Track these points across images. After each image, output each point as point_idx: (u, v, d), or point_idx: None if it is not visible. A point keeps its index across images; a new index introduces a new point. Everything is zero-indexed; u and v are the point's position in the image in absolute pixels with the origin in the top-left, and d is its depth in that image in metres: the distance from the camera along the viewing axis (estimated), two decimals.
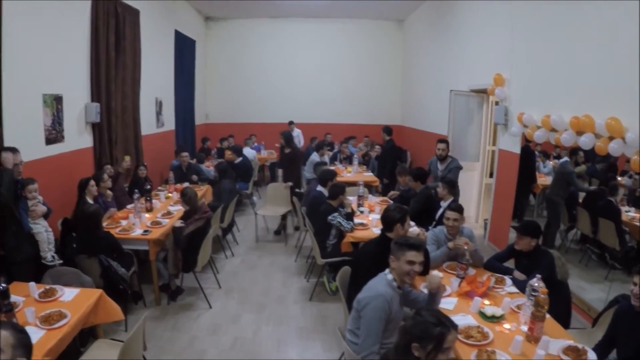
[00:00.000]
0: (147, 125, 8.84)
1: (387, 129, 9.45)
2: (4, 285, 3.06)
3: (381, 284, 3.13)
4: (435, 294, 3.31)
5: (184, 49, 11.08)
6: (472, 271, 4.13)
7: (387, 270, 3.22)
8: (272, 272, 6.44)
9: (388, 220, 3.97)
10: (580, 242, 5.85)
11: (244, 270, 6.50)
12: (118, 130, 7.45)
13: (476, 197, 8.51)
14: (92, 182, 5.51)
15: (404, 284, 3.22)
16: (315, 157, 9.11)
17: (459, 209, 4.41)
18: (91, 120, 6.58)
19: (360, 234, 5.35)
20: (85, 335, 4.16)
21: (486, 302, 3.62)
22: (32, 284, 3.71)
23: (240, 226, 8.26)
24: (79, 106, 6.42)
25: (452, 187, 5.74)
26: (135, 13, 7.93)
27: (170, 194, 7.23)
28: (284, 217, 7.85)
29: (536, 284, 3.27)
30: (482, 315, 3.41)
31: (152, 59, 8.95)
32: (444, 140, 6.85)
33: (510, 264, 4.39)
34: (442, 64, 9.82)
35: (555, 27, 5.45)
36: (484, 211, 8.27)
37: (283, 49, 13.47)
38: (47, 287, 3.75)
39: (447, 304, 3.61)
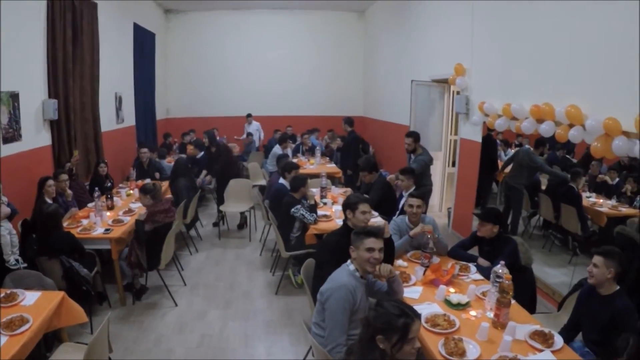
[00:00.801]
0: (107, 122, 8.69)
1: (349, 120, 9.52)
2: None
3: (343, 275, 3.17)
4: (392, 283, 3.34)
5: (144, 42, 10.90)
6: (436, 259, 4.23)
7: (349, 261, 3.26)
8: (237, 266, 6.47)
9: (343, 206, 4.11)
10: (542, 228, 6.05)
11: (209, 266, 6.50)
12: (77, 127, 7.30)
13: (439, 186, 8.67)
14: (50, 182, 5.41)
15: (367, 274, 3.26)
16: (277, 149, 9.13)
17: (421, 196, 4.51)
18: (49, 117, 6.43)
19: (323, 226, 5.41)
20: (50, 339, 4.08)
21: (451, 289, 3.69)
22: None
23: (203, 222, 8.22)
24: (36, 103, 6.26)
25: (412, 174, 5.75)
26: (92, 6, 7.75)
27: (131, 191, 7.14)
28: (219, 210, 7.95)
29: (500, 271, 3.37)
30: (448, 303, 3.49)
31: (111, 54, 8.79)
32: (410, 134, 6.74)
33: (474, 251, 4.48)
34: (403, 55, 9.93)
35: (515, 16, 5.57)
36: (447, 200, 8.44)
37: (244, 42, 13.40)
38: (8, 291, 3.68)
39: (412, 292, 3.68)
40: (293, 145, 10.47)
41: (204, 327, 4.90)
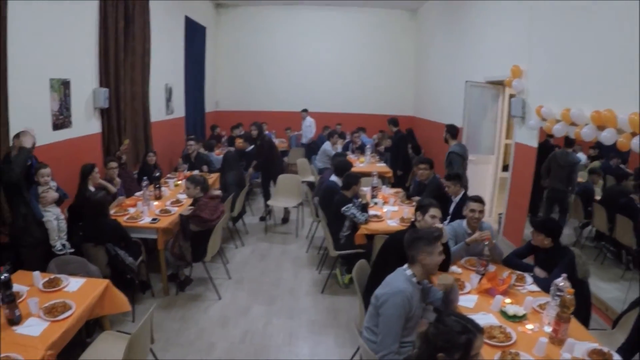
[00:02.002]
0: (157, 112, 8.70)
1: (393, 120, 9.32)
2: (5, 275, 2.94)
3: (400, 280, 2.98)
4: (449, 294, 3.17)
5: (194, 35, 10.91)
6: (492, 267, 3.97)
7: (405, 266, 3.07)
8: (283, 262, 6.31)
9: (415, 208, 3.94)
10: (595, 240, 5.67)
11: (254, 260, 6.37)
12: (127, 116, 7.32)
13: (490, 191, 8.30)
14: (96, 169, 5.38)
15: (423, 280, 3.07)
16: (328, 146, 8.96)
17: (483, 200, 4.24)
18: (99, 105, 6.44)
19: (374, 226, 5.20)
20: (92, 325, 4.03)
21: (507, 300, 3.46)
22: (36, 273, 3.59)
23: (250, 215, 8.13)
24: (87, 91, 6.29)
25: (458, 179, 5.55)
26: None
27: (179, 182, 7.08)
28: (266, 204, 7.90)
29: (562, 284, 3.14)
30: (504, 314, 3.28)
31: (162, 45, 8.80)
32: (447, 127, 6.94)
33: (529, 260, 4.24)
34: (456, 55, 9.55)
35: (576, 17, 5.19)
36: (498, 206, 8.07)
37: (294, 37, 13.24)
38: (52, 276, 3.63)
39: (467, 301, 3.47)
40: (342, 142, 10.27)
41: (248, 322, 4.76)
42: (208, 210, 5.02)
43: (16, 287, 3.34)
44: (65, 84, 5.72)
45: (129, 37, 7.22)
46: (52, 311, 3.10)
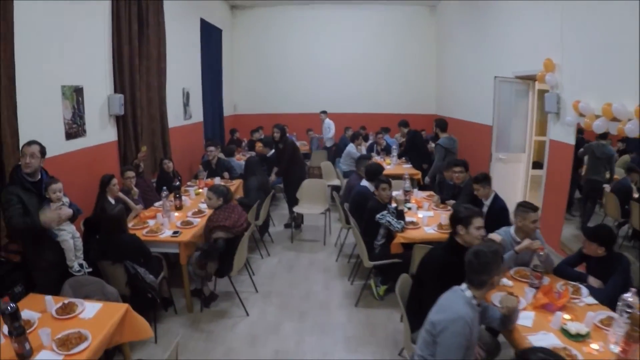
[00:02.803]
0: (174, 118, 8.41)
1: (403, 122, 9.19)
2: (12, 305, 2.62)
3: (459, 304, 2.60)
4: (511, 315, 2.84)
5: (210, 38, 10.63)
6: (546, 279, 3.57)
7: (464, 286, 2.69)
8: (312, 273, 5.95)
9: (452, 220, 3.40)
10: (632, 239, 5.24)
11: (282, 271, 6.02)
12: (144, 123, 7.03)
13: (522, 190, 7.87)
14: (115, 181, 5.09)
15: (482, 299, 2.70)
16: (352, 148, 8.60)
17: (537, 208, 3.84)
18: (115, 112, 6.16)
19: (412, 234, 4.82)
20: (111, 351, 3.71)
21: (566, 316, 3.09)
22: (48, 298, 3.26)
23: (274, 222, 7.78)
24: (101, 98, 6.01)
25: (489, 181, 5.13)
26: (158, 1, 7.46)
27: (200, 190, 6.75)
28: (291, 210, 7.46)
29: (631, 299, 2.80)
30: (566, 333, 2.91)
31: (178, 49, 8.50)
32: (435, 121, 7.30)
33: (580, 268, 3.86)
34: (481, 50, 9.12)
35: (614, 4, 4.75)
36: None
37: (311, 36, 12.91)
38: (67, 301, 3.30)
39: (524, 319, 3.09)
40: (366, 144, 9.89)
41: (278, 341, 4.42)
42: (223, 214, 4.66)
43: (26, 313, 3.05)
44: (78, 91, 5.44)
45: (143, 41, 6.94)
46: (66, 343, 2.77)
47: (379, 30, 12.84)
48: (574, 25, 5.61)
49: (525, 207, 3.85)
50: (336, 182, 8.73)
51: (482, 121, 8.67)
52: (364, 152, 9.03)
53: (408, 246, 4.72)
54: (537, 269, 3.46)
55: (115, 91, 6.28)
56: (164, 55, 7.74)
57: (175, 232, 4.83)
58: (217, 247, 4.57)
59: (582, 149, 5.75)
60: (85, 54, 5.60)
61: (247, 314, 4.85)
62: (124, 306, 3.30)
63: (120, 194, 5.23)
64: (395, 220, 4.80)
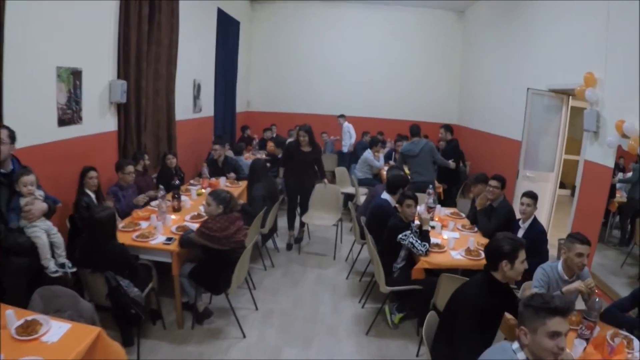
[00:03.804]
0: (183, 110, 7.90)
1: (449, 127, 8.30)
2: None
3: None
4: None
5: (227, 30, 10.09)
6: (597, 329, 2.99)
7: (515, 345, 2.13)
8: (320, 291, 5.37)
9: (492, 254, 2.82)
10: None
11: (286, 287, 5.44)
12: (148, 113, 6.53)
13: (547, 212, 7.27)
14: (92, 173, 4.59)
15: None
16: (369, 155, 8.06)
17: (589, 241, 3.25)
18: (116, 100, 5.64)
19: (436, 259, 4.26)
20: None
21: None
22: (9, 312, 2.72)
23: (281, 230, 6.98)
24: (102, 83, 5.49)
25: (537, 198, 4.62)
26: None
27: (203, 190, 6.21)
28: (292, 224, 6.70)
29: None
30: None
31: (192, 38, 8.01)
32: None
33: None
34: (512, 59, 8.53)
35: None
36: (557, 227, 7.11)
37: (333, 36, 12.37)
38: (30, 317, 2.76)
39: None
40: (384, 151, 9.31)
41: None
42: (219, 224, 4.04)
43: None
44: (76, 74, 4.92)
45: (153, 26, 6.43)
46: None
47: (402, 34, 12.27)
48: (621, 37, 5.04)
49: (573, 237, 3.27)
50: (350, 189, 8.18)
51: (509, 135, 8.10)
52: (381, 159, 8.45)
53: (431, 271, 4.17)
54: (590, 317, 2.90)
55: (119, 77, 5.76)
56: (176, 43, 7.22)
57: (168, 239, 4.26)
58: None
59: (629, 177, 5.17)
60: (87, 34, 5.08)
61: (244, 336, 4.29)
62: (95, 330, 2.75)
63: (89, 191, 4.65)
64: (419, 242, 4.23)
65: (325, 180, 6.62)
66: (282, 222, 6.78)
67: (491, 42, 9.92)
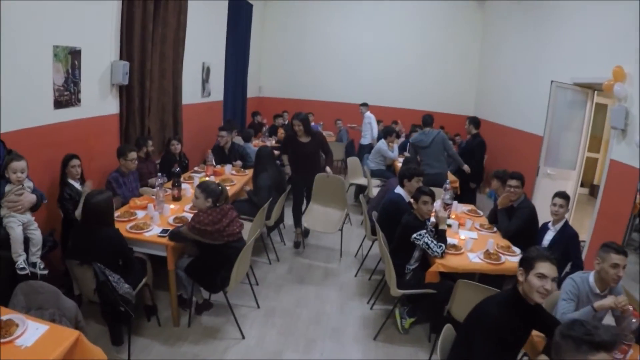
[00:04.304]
0: (191, 94, 7.62)
1: (475, 121, 7.78)
2: None
3: None
4: None
5: (240, 12, 9.76)
6: (630, 351, 2.66)
7: None
8: (326, 289, 5.06)
9: (521, 262, 2.52)
10: None
11: (290, 283, 5.14)
12: (152, 96, 6.25)
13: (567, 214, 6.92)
14: (76, 162, 4.29)
15: None
16: (383, 145, 7.72)
17: (624, 251, 2.90)
18: (117, 81, 5.35)
19: (452, 262, 3.91)
20: None
21: None
22: None
23: (287, 222, 6.62)
24: (103, 64, 5.20)
25: (569, 200, 4.32)
26: None
27: (207, 178, 5.87)
28: (298, 221, 6.11)
29: None
30: None
31: (201, 19, 7.72)
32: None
33: None
34: (534, 50, 8.13)
35: None
36: (577, 228, 6.71)
37: (348, 22, 11.96)
38: (5, 317, 2.50)
39: None
40: (398, 141, 8.94)
41: None
42: (209, 217, 3.72)
43: None
44: (75, 54, 4.63)
45: (160, 5, 6.13)
46: None
47: (420, 22, 11.85)
48: None
49: (608, 246, 2.94)
50: (361, 180, 7.86)
51: (530, 129, 7.76)
52: (396, 150, 8.07)
53: (446, 274, 3.87)
54: (626, 339, 2.58)
55: (121, 58, 5.47)
56: (184, 24, 6.92)
57: (164, 231, 3.95)
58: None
59: None
60: (87, 12, 4.77)
61: (243, 337, 4.01)
62: (74, 334, 2.49)
63: (72, 182, 4.34)
64: (434, 242, 3.90)
65: (329, 169, 5.97)
66: (289, 212, 6.40)
67: (513, 32, 9.49)
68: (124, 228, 3.89)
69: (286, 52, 12.38)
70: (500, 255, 3.96)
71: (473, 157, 7.27)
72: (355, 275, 5.43)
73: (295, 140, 5.91)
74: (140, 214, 4.36)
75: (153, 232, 3.96)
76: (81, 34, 4.71)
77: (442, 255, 3.90)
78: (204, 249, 3.82)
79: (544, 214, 4.69)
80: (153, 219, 4.19)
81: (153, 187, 5.12)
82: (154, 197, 4.66)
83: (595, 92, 6.54)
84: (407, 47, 11.91)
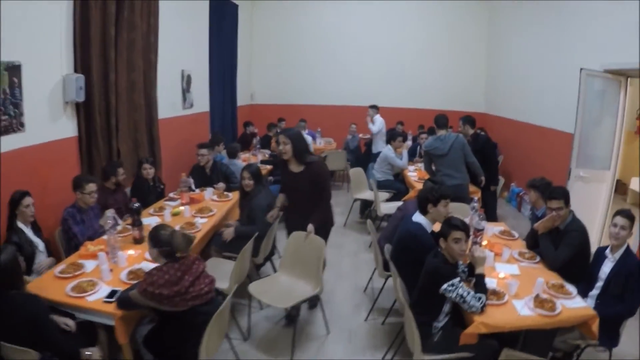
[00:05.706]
0: (169, 106, 6.80)
1: (470, 120, 6.66)
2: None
3: None
4: None
5: (223, 14, 8.98)
6: None
7: None
8: (331, 340, 4.06)
9: None
10: None
11: (285, 335, 4.11)
12: (121, 112, 5.46)
13: (601, 220, 6.08)
14: (29, 200, 3.51)
15: None
16: (389, 152, 6.82)
17: None
18: (71, 99, 4.54)
19: (496, 318, 2.90)
20: None
21: None
22: None
23: (280, 249, 5.26)
24: (52, 79, 4.41)
25: (633, 220, 3.39)
26: None
27: (181, 208, 4.88)
28: None
29: None
30: None
31: (178, 22, 6.95)
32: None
33: None
34: (553, 33, 7.29)
35: None
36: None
37: (345, 19, 11.18)
38: None
39: None
40: (407, 145, 8.01)
41: None
42: (166, 275, 2.77)
43: None
44: (13, 70, 3.87)
45: (123, 6, 5.33)
46: None
47: (421, 14, 11.05)
48: None
49: None
50: (367, 194, 6.94)
51: (555, 126, 6.92)
52: (404, 156, 7.09)
53: (496, 338, 2.92)
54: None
55: (76, 70, 4.67)
56: (156, 28, 6.14)
57: (112, 293, 2.99)
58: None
59: None
60: (27, 16, 4.03)
61: None
62: None
63: (22, 226, 3.54)
64: (471, 294, 2.90)
65: (310, 227, 4.07)
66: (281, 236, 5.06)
67: (526, 16, 8.62)
68: (62, 290, 2.99)
69: (279, 55, 11.63)
70: (556, 301, 3.00)
71: (484, 160, 6.18)
72: (366, 320, 4.40)
73: (286, 169, 4.28)
74: (91, 265, 3.43)
75: (98, 294, 3.00)
76: (20, 45, 3.96)
77: (483, 309, 2.91)
78: (164, 318, 2.90)
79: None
80: (102, 273, 3.25)
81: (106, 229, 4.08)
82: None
83: (629, 79, 5.84)
84: (407, 39, 11.14)
